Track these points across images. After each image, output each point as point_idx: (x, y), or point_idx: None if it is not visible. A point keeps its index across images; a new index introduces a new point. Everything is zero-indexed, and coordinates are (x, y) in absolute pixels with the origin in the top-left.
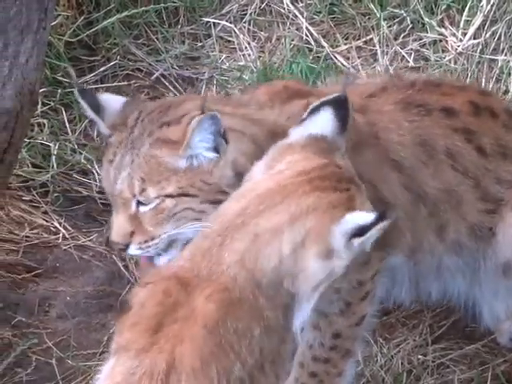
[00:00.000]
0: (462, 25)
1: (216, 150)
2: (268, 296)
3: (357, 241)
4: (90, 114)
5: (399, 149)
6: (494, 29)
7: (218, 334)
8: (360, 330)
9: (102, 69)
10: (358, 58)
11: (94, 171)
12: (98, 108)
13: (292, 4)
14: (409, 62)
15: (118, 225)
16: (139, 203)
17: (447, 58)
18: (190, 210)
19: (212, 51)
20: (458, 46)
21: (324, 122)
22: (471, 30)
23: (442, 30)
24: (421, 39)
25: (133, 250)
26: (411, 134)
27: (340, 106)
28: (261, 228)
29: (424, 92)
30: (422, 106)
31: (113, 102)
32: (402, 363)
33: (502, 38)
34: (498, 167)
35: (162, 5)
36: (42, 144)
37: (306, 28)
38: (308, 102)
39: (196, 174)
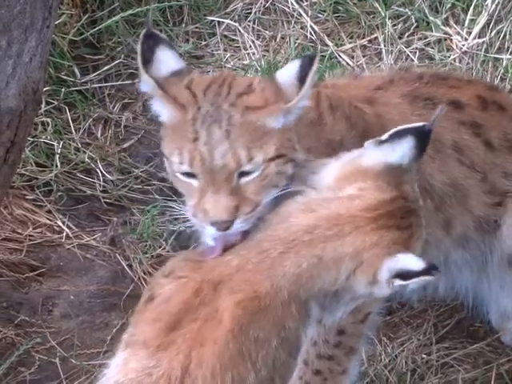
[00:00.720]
0: (466, 24)
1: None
2: (300, 308)
3: (398, 282)
4: (138, 62)
5: None
6: (498, 28)
7: (241, 340)
8: (364, 327)
9: (105, 67)
10: (363, 56)
11: (98, 170)
12: (147, 61)
13: (297, 3)
14: (413, 60)
15: (221, 202)
16: (241, 174)
17: (452, 57)
18: (278, 173)
19: (216, 50)
20: (463, 45)
21: (404, 152)
22: (476, 29)
23: (447, 28)
24: (425, 38)
25: (238, 224)
26: None
27: (422, 137)
28: (326, 254)
29: (431, 85)
30: (430, 99)
31: (163, 66)
32: (405, 362)
33: (507, 36)
34: (506, 161)
35: (167, 3)
36: (45, 143)
37: (311, 27)
38: (317, 91)
39: (284, 131)
